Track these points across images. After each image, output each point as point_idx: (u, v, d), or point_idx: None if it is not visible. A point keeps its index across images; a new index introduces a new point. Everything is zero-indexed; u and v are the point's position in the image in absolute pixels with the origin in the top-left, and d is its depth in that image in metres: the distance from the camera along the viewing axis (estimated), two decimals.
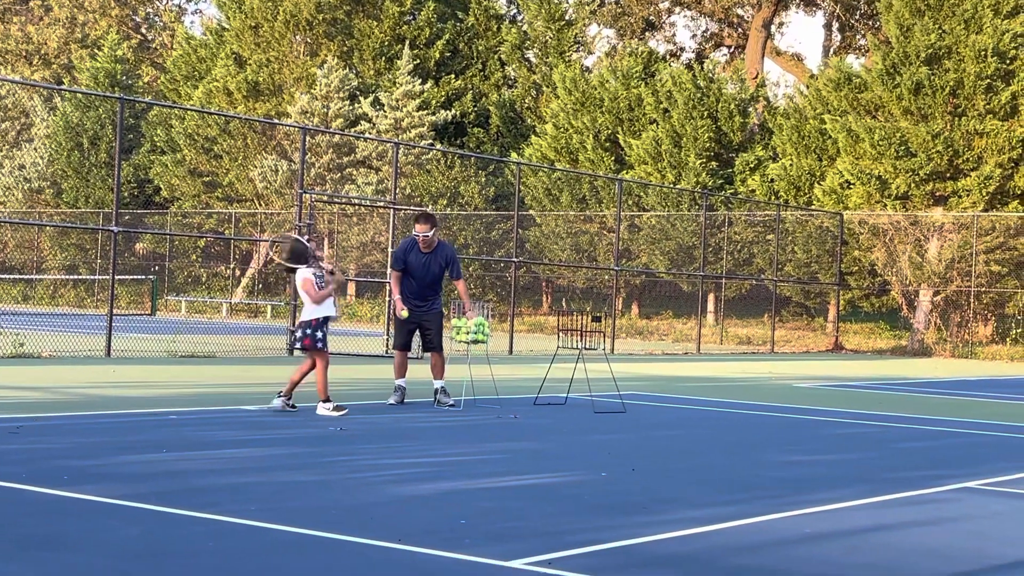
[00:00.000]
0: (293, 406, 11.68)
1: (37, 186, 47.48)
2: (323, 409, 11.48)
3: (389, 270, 13.42)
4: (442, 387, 13.02)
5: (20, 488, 7.08)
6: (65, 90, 27.83)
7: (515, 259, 26.70)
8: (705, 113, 39.78)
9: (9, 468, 7.70)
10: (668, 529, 6.72)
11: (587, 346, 13.71)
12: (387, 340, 21.80)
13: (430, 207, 36.62)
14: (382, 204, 31.33)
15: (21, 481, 7.26)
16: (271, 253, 12.71)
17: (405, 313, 12.89)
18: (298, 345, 11.80)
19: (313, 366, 11.72)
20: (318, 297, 11.70)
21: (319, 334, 11.66)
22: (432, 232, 12.87)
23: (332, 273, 12.06)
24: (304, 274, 11.77)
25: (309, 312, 11.74)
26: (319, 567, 5.51)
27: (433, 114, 43.53)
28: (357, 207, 40.23)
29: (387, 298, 22.83)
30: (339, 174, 41.69)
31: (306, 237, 12.16)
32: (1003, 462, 10.55)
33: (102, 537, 5.94)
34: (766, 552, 6.29)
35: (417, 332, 13.22)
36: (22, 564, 5.30)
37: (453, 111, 44.93)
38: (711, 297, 39.03)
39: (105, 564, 5.38)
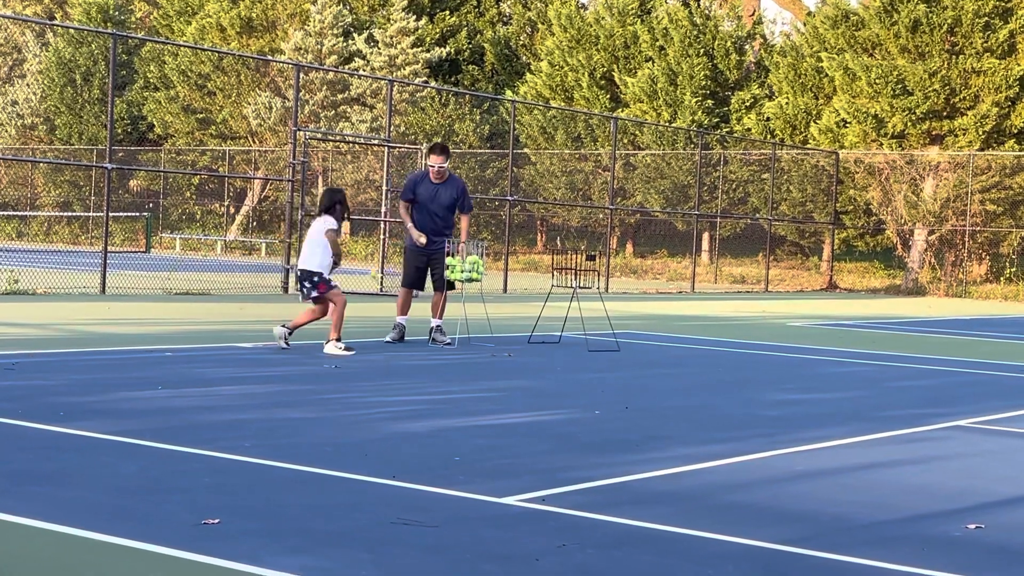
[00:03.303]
0: (287, 344, 11.70)
1: (30, 122, 47.22)
2: (332, 348, 11.53)
3: (398, 202, 13.44)
4: (438, 325, 13.05)
5: (16, 424, 7.10)
6: (58, 25, 27.59)
7: (510, 198, 26.65)
8: (701, 51, 39.55)
9: (5, 404, 7.72)
10: (661, 467, 6.77)
11: (581, 285, 13.73)
12: (380, 278, 21.80)
13: (424, 145, 36.48)
14: (376, 142, 31.23)
15: (17, 417, 7.29)
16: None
17: (424, 239, 12.90)
18: (314, 294, 11.77)
19: (324, 313, 11.77)
20: (336, 253, 11.79)
21: (329, 277, 11.77)
22: (447, 163, 12.99)
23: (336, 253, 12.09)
24: (330, 224, 11.83)
25: (320, 263, 11.75)
26: (314, 503, 5.55)
27: (428, 51, 43.24)
28: (351, 145, 40.08)
29: (381, 237, 22.78)
30: (333, 111, 41.48)
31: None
32: (995, 400, 10.61)
33: (98, 473, 5.97)
34: (759, 489, 6.34)
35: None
36: (18, 499, 5.33)
37: (448, 48, 44.63)
38: (706, 236, 39.02)
39: (101, 499, 5.42)
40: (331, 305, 11.78)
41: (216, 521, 5.09)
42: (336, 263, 11.90)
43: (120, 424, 7.25)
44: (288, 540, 4.91)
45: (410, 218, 13.12)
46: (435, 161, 12.97)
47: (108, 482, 5.77)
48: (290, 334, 11.73)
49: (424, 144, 36.39)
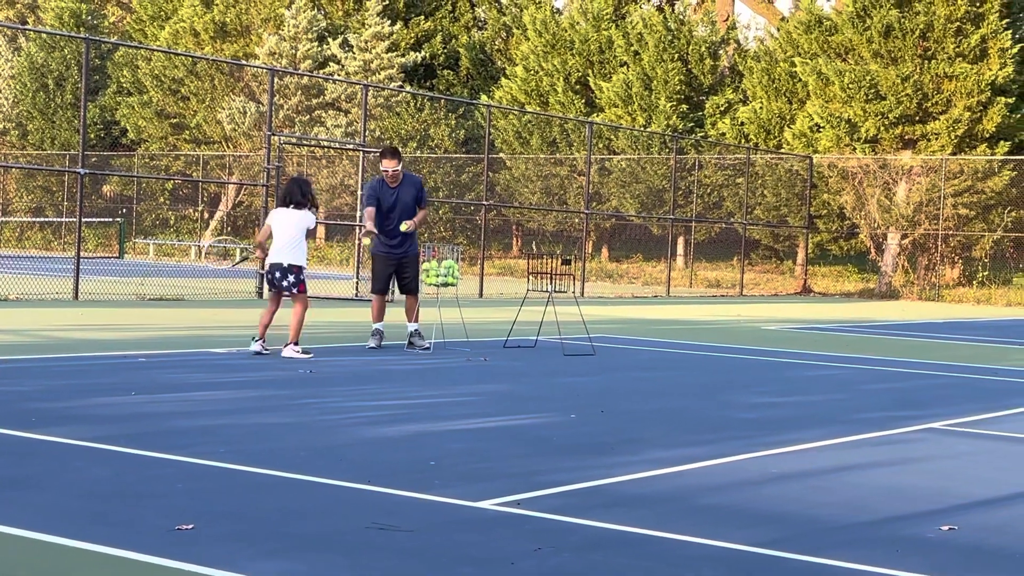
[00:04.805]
0: (267, 348, 11.70)
1: (2, 128, 46.96)
2: (290, 351, 11.52)
3: (363, 210, 13.38)
4: (416, 330, 13.03)
5: None
6: (30, 30, 27.45)
7: (485, 202, 26.65)
8: (676, 56, 39.65)
9: None
10: (636, 470, 6.77)
11: (557, 289, 13.73)
12: (357, 283, 21.77)
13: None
14: (351, 146, 31.18)
15: None
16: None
17: (405, 225, 12.73)
18: (294, 290, 11.77)
19: (277, 306, 11.82)
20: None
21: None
22: (399, 166, 12.91)
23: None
24: (312, 219, 11.96)
25: (304, 258, 11.84)
26: (290, 508, 5.53)
27: (402, 56, 43.21)
28: (326, 150, 40.00)
29: (356, 242, 22.76)
30: (308, 116, 41.40)
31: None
32: (967, 403, 10.67)
33: (71, 478, 5.94)
34: (733, 492, 6.36)
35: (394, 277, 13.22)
36: None
37: (423, 53, 44.60)
38: (681, 240, 39.10)
39: (75, 505, 5.39)
40: (295, 306, 11.73)
41: (190, 527, 5.07)
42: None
43: (93, 430, 7.21)
44: (263, 545, 4.89)
45: (375, 224, 13.02)
46: (388, 165, 12.88)
47: (81, 488, 5.74)
48: (263, 341, 11.70)
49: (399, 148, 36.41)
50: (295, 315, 11.63)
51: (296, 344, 11.56)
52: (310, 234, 11.93)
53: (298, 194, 11.93)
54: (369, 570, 4.61)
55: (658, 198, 37.70)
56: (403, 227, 12.79)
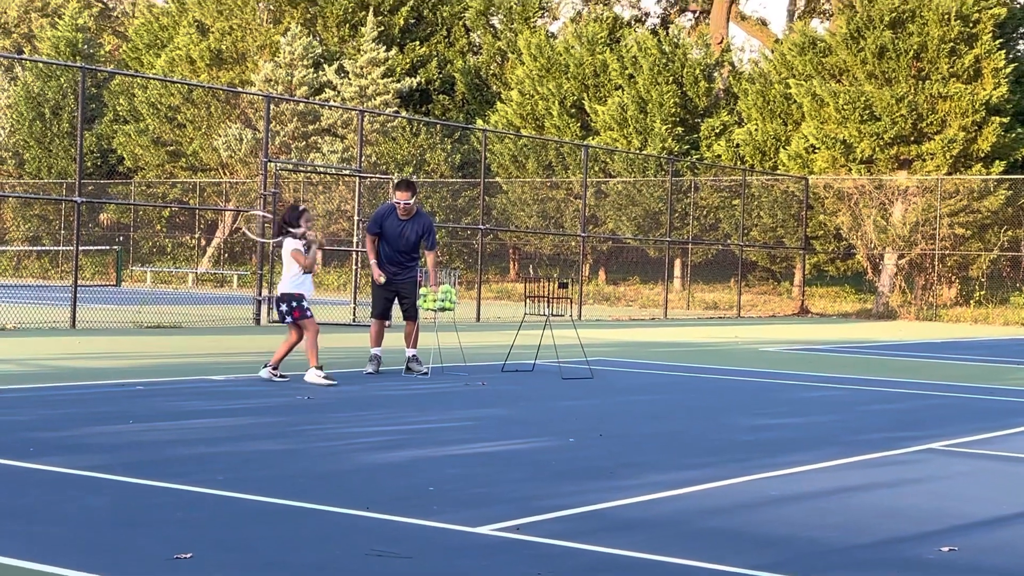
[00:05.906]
0: (282, 375, 11.67)
1: None
2: (313, 376, 11.47)
3: (364, 234, 13.41)
4: (414, 355, 13.03)
5: None
6: (26, 59, 27.48)
7: (482, 226, 26.67)
8: (670, 78, 39.75)
9: None
10: (635, 494, 6.76)
11: (554, 312, 13.73)
12: (354, 309, 21.76)
13: (396, 175, 36.49)
14: (348, 172, 31.21)
15: None
16: (243, 227, 12.48)
17: (383, 279, 12.88)
18: (288, 320, 11.77)
19: (299, 338, 11.75)
20: (307, 264, 11.78)
21: (306, 303, 11.72)
22: (412, 200, 12.94)
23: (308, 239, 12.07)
24: (293, 244, 11.82)
25: (293, 284, 11.75)
26: (287, 535, 5.52)
27: (398, 81, 43.31)
28: (322, 175, 40.05)
29: (354, 267, 22.75)
30: (304, 142, 41.46)
31: (301, 206, 12.13)
32: (966, 423, 10.66)
33: (69, 508, 5.92)
34: (732, 515, 6.34)
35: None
36: None
37: (418, 78, 44.71)
38: (678, 262, 39.13)
39: (72, 535, 5.37)
40: (308, 332, 11.75)
41: (189, 555, 5.06)
42: (308, 272, 11.88)
43: (91, 459, 7.19)
44: (262, 573, 4.87)
45: (375, 252, 13.06)
46: (401, 198, 12.94)
47: (79, 517, 5.72)
48: (276, 369, 11.69)
49: (395, 174, 36.40)
50: (305, 341, 11.66)
51: (319, 368, 11.53)
52: (302, 257, 11.81)
53: (277, 224, 11.97)
54: None
55: (654, 220, 37.74)
56: (432, 290, 12.85)
